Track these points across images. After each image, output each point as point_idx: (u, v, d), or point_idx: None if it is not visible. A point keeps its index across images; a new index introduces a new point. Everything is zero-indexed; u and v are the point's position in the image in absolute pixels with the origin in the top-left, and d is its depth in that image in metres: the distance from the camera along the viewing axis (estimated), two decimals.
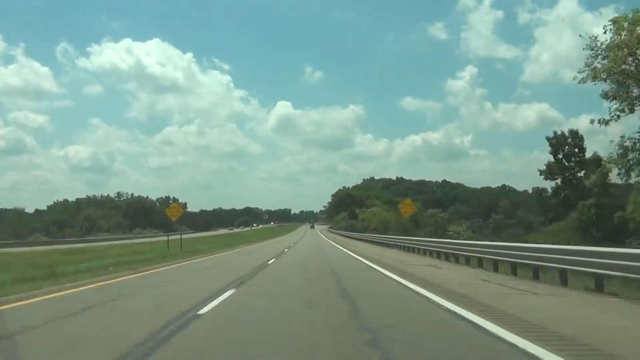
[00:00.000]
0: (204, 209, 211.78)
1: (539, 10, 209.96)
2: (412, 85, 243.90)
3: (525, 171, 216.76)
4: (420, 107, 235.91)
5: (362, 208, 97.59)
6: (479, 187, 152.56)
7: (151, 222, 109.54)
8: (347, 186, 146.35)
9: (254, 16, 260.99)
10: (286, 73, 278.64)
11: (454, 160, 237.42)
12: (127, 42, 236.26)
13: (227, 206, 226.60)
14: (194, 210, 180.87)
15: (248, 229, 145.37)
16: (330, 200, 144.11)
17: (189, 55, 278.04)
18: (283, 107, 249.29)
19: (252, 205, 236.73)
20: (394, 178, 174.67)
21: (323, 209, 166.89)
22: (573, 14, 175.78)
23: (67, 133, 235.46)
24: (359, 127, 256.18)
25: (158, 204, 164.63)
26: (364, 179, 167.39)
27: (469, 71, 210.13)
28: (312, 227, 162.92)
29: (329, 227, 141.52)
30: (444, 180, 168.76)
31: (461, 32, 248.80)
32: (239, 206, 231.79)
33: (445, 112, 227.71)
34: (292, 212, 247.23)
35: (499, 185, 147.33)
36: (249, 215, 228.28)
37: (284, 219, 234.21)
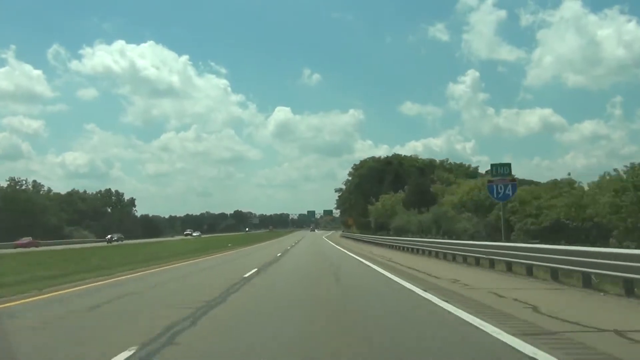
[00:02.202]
0: (190, 213, 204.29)
1: (542, 12, 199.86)
2: (412, 90, 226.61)
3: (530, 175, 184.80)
4: (420, 112, 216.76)
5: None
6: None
7: (35, 225, 62.03)
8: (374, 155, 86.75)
9: (250, 18, 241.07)
10: (284, 77, 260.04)
11: None
12: (120, 44, 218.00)
13: (227, 212, 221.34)
14: (178, 215, 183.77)
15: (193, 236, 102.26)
16: (349, 179, 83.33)
17: (185, 58, 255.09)
18: (281, 113, 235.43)
19: (249, 211, 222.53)
20: (426, 158, 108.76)
21: (334, 206, 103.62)
22: (577, 15, 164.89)
23: (63, 138, 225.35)
24: (358, 132, 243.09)
25: (99, 200, 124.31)
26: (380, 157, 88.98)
27: (470, 75, 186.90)
28: (313, 230, 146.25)
29: (343, 232, 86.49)
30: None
31: (462, 33, 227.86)
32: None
33: (447, 118, 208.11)
34: (290, 218, 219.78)
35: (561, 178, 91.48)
36: (238, 220, 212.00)
37: (280, 224, 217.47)
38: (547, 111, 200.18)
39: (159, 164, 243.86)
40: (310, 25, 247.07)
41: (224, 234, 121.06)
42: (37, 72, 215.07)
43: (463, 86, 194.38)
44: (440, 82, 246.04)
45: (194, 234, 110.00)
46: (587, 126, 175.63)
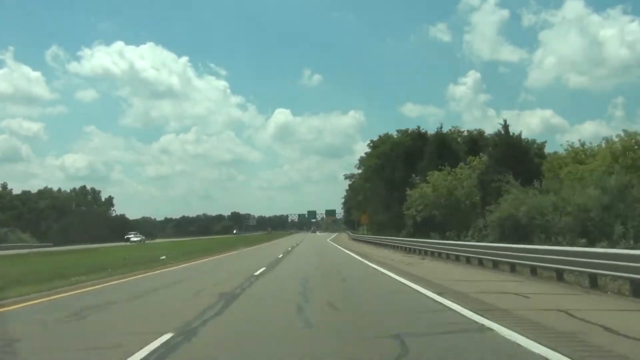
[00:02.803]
0: (187, 215, 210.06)
1: (544, 12, 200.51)
2: (413, 91, 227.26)
3: None
4: (422, 113, 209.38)
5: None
6: None
7: None
8: (390, 132, 59.77)
9: (250, 19, 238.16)
10: (284, 78, 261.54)
11: None
12: (119, 45, 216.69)
13: (224, 213, 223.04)
14: (175, 217, 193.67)
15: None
16: (364, 159, 63.03)
17: (184, 59, 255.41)
18: (282, 114, 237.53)
19: (247, 213, 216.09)
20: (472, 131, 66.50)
21: (342, 200, 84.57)
22: (579, 15, 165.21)
23: (62, 141, 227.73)
24: (359, 133, 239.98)
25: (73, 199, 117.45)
26: (398, 130, 60.55)
27: (471, 76, 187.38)
28: (314, 232, 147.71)
29: (352, 234, 69.60)
30: None
31: (464, 34, 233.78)
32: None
33: (448, 119, 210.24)
34: (290, 219, 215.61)
35: None
36: (235, 221, 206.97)
37: (279, 226, 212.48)
38: (548, 112, 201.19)
39: (159, 166, 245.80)
40: (310, 25, 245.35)
41: (207, 237, 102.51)
42: (36, 74, 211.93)
43: (464, 87, 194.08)
44: (441, 83, 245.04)
45: (134, 239, 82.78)
46: (588, 127, 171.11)
